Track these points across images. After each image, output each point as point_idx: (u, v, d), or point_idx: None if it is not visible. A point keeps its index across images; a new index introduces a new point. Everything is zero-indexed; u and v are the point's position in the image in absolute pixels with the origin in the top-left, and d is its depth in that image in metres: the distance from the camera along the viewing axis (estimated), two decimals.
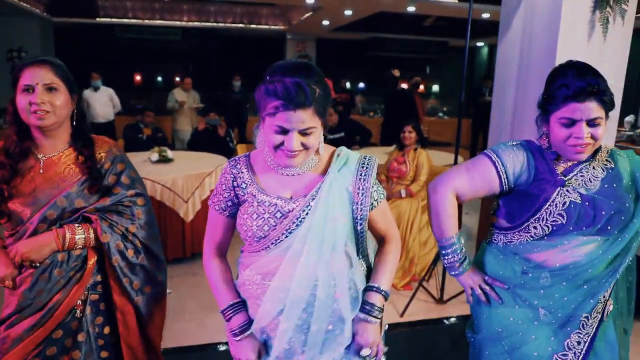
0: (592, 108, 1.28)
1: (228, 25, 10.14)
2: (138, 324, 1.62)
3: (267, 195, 1.23)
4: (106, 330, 1.58)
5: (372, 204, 1.28)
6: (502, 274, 1.47)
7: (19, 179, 1.46)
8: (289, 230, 1.19)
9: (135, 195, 1.60)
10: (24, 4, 7.82)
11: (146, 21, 9.87)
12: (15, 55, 9.07)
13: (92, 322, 1.55)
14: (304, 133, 1.13)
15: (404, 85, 7.31)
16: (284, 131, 1.12)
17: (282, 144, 1.14)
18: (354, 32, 10.30)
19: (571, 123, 1.31)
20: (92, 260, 1.53)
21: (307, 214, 1.19)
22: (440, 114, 11.40)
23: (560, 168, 1.40)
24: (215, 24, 10.11)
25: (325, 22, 8.87)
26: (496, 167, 1.41)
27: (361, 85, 12.39)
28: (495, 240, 1.53)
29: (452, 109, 11.88)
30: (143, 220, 1.61)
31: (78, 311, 1.52)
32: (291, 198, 1.23)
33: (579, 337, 1.39)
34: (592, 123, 1.30)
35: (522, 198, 1.41)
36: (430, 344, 2.77)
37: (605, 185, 1.37)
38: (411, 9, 7.03)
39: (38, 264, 1.46)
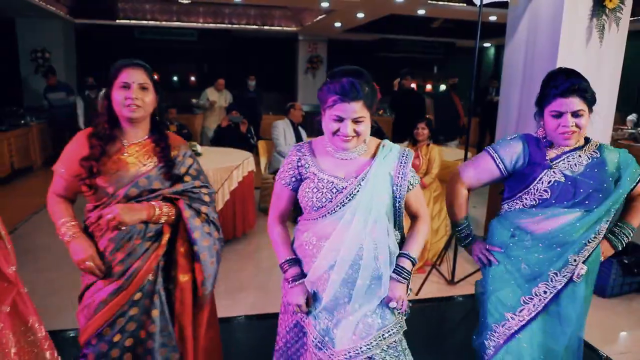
0: (575, 102, 1.60)
1: (242, 26, 10.45)
2: (193, 303, 1.79)
3: (326, 174, 1.54)
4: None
5: (409, 187, 1.58)
6: (497, 239, 1.82)
7: (106, 159, 1.68)
8: (343, 203, 1.50)
9: (201, 186, 1.81)
10: (50, 7, 8.14)
11: (164, 23, 10.20)
12: (39, 55, 9.39)
13: (162, 285, 1.77)
14: (356, 121, 1.45)
15: (413, 85, 7.54)
16: (340, 119, 1.45)
17: (338, 130, 1.46)
18: (364, 33, 10.55)
19: (559, 115, 1.63)
20: (166, 236, 1.74)
21: (357, 191, 1.50)
22: None
23: (552, 154, 1.72)
24: (229, 26, 10.42)
25: (338, 24, 9.14)
26: (495, 160, 1.78)
27: None
28: (501, 210, 1.88)
29: None
30: (212, 205, 1.83)
31: (150, 275, 1.73)
32: (344, 177, 1.53)
33: (546, 287, 1.71)
34: (576, 114, 1.62)
35: (518, 177, 1.76)
36: (442, 318, 3.08)
37: (588, 170, 1.68)
38: (421, 11, 7.30)
39: (123, 228, 1.66)
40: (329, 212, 1.52)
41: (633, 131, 7.31)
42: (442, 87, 11.99)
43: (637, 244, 3.52)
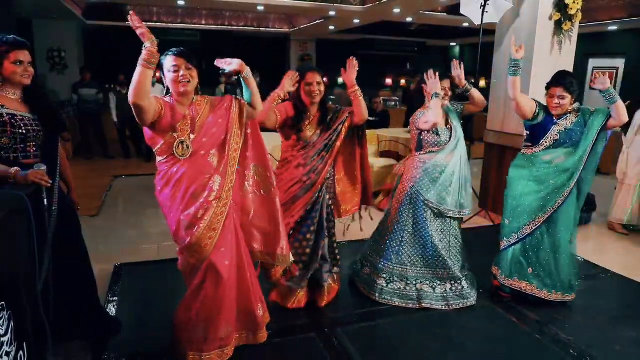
0: (560, 90, 2.99)
1: (241, 28, 11.54)
2: None
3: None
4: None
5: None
6: (526, 171, 3.14)
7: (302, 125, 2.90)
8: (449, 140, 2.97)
9: None
10: (69, 7, 8.70)
11: (169, 24, 11.13)
12: (55, 55, 10.09)
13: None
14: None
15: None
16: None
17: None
18: (347, 34, 11.85)
19: (551, 96, 3.04)
20: None
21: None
22: None
23: (556, 116, 3.06)
24: (229, 27, 11.49)
25: (332, 27, 10.38)
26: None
27: None
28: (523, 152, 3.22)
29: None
30: None
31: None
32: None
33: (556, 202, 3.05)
34: (560, 97, 3.00)
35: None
36: None
37: (575, 124, 3.04)
38: (409, 19, 8.71)
39: None
40: (442, 147, 3.07)
41: None
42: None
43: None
